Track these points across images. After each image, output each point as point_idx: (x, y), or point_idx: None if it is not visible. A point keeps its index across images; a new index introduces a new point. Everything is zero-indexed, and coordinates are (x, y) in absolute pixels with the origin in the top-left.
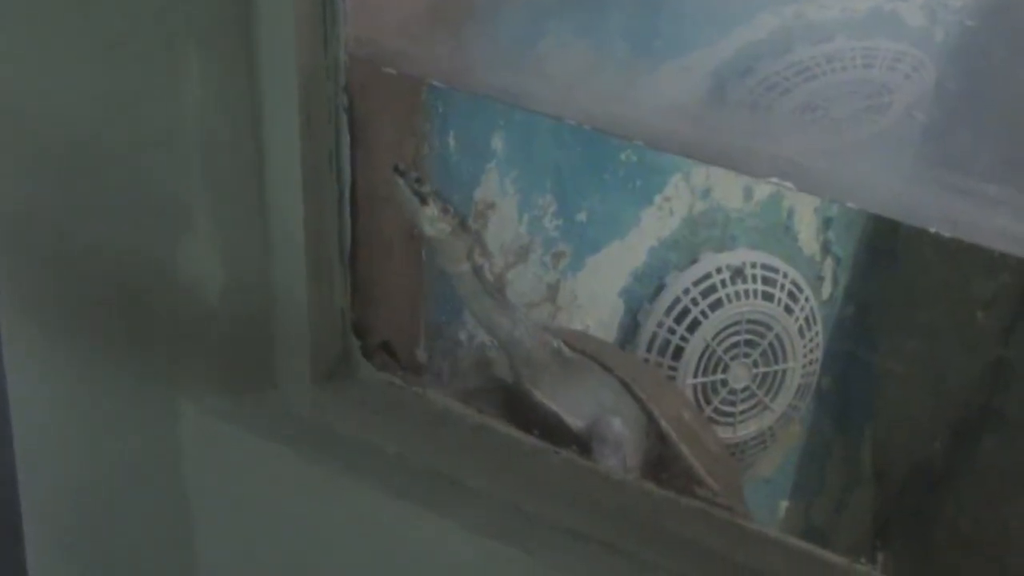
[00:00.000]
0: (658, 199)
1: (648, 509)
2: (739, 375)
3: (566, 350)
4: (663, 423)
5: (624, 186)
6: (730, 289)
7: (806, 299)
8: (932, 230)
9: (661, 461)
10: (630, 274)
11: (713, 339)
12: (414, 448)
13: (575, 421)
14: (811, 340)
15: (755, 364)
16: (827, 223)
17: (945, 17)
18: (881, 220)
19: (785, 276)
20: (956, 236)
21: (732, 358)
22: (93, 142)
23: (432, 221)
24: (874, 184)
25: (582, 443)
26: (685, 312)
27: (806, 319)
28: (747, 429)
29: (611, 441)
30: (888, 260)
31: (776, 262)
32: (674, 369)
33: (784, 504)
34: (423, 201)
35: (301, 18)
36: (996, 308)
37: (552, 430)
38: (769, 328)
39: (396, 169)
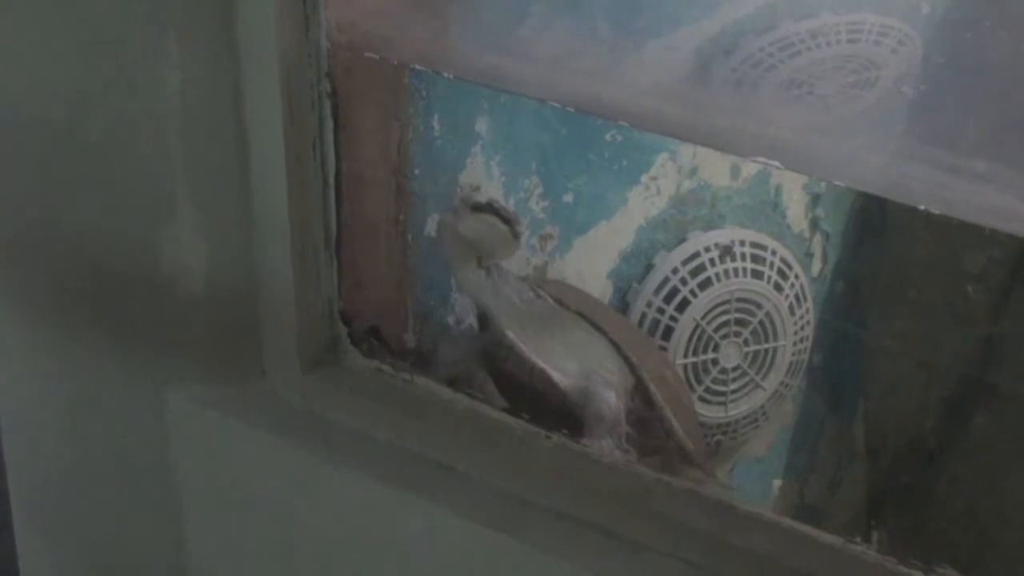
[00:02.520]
0: (645, 179)
1: (639, 491)
2: (730, 354)
3: (551, 301)
4: (652, 387)
5: (610, 166)
6: (719, 268)
7: (796, 276)
8: (921, 207)
9: (642, 422)
10: (618, 255)
11: (703, 318)
12: (403, 434)
13: (562, 378)
14: (801, 317)
15: (746, 343)
16: (816, 200)
17: None
18: (870, 196)
19: (774, 254)
20: (945, 213)
21: (722, 337)
22: (75, 131)
23: (513, 246)
24: (862, 161)
25: (570, 402)
26: (674, 292)
27: (796, 296)
28: (739, 408)
29: (608, 419)
30: (877, 236)
31: (765, 240)
32: (664, 349)
33: (777, 483)
34: (517, 235)
35: (282, 4)
36: (986, 282)
37: (539, 386)
38: (759, 306)
39: (490, 206)
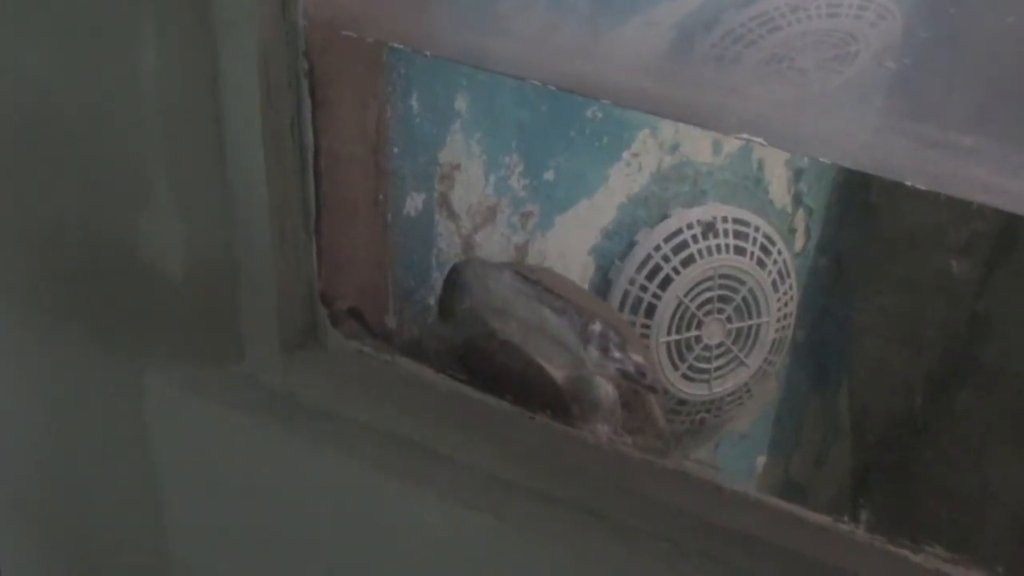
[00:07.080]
0: (626, 155)
1: (624, 472)
2: (713, 331)
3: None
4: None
5: (591, 143)
6: (701, 244)
7: (779, 252)
8: (906, 182)
9: (627, 405)
10: (600, 232)
11: (686, 295)
12: (385, 417)
13: (555, 370)
14: (785, 294)
15: (729, 320)
16: (798, 175)
17: None
18: (853, 171)
19: (757, 229)
20: (929, 187)
21: (706, 314)
22: (51, 116)
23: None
24: (845, 137)
25: (566, 392)
26: (657, 269)
27: (779, 272)
28: (723, 385)
29: (606, 407)
30: (861, 210)
31: (747, 215)
32: (647, 327)
33: (762, 460)
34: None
35: None
36: (971, 257)
37: (534, 379)
38: (742, 283)
39: (636, 378)
